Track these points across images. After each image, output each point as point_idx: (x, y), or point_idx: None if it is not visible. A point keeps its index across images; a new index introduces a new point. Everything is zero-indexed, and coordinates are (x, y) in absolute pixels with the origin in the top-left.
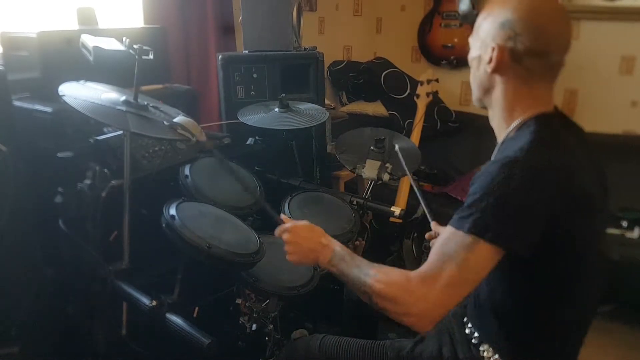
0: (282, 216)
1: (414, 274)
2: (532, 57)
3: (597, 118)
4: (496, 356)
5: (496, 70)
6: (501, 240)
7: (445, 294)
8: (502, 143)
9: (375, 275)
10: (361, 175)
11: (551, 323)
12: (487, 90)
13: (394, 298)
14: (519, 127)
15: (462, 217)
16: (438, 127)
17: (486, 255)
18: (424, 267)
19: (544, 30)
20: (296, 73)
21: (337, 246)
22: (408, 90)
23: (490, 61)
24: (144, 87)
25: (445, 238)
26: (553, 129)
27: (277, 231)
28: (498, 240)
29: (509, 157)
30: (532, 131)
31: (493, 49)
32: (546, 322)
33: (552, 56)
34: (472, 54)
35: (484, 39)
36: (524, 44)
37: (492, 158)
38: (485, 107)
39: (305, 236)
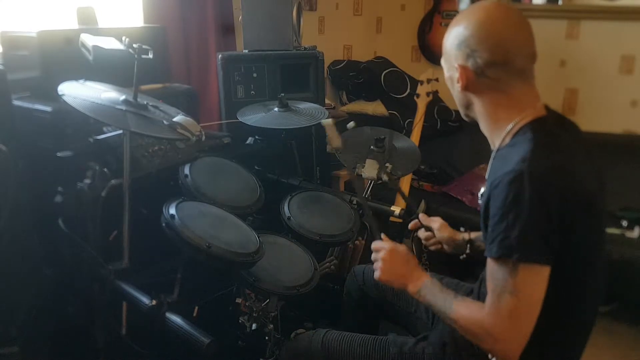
0: (383, 236)
1: (485, 311)
2: (495, 68)
3: (597, 118)
4: None
5: (466, 88)
6: (532, 257)
7: (514, 325)
8: (498, 150)
9: (457, 311)
10: (361, 175)
11: (556, 323)
12: (467, 106)
13: (476, 335)
14: (514, 135)
15: (489, 242)
16: (438, 126)
17: (530, 274)
18: (487, 304)
19: (498, 39)
20: (296, 72)
21: (429, 279)
22: (408, 90)
23: (458, 81)
24: (144, 87)
25: (491, 270)
26: (550, 133)
27: (374, 244)
28: (529, 258)
29: (513, 172)
30: (530, 139)
31: (457, 70)
32: (551, 322)
33: (515, 62)
34: (445, 74)
35: (448, 60)
36: (483, 58)
37: (489, 166)
38: (474, 121)
39: (401, 260)
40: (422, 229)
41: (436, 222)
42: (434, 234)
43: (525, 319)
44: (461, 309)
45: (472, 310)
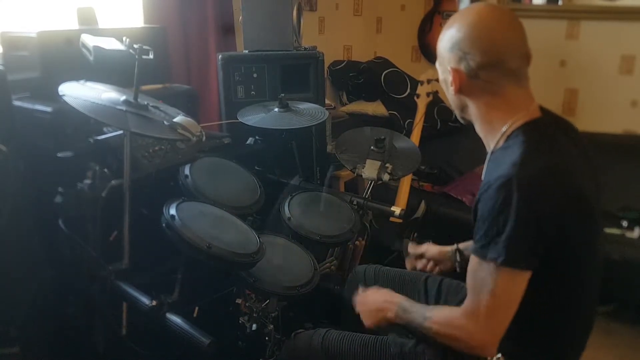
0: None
1: (461, 310)
2: (488, 70)
3: (598, 118)
4: (499, 355)
5: (459, 91)
6: (515, 262)
7: (491, 322)
8: (492, 153)
9: (430, 318)
10: (361, 175)
11: (555, 324)
12: (462, 108)
13: (451, 336)
14: (507, 137)
15: (478, 245)
16: (438, 126)
17: (510, 278)
18: (466, 302)
19: (490, 41)
20: (296, 73)
21: (400, 299)
22: (408, 90)
23: (452, 84)
24: (144, 87)
25: (473, 269)
26: (543, 135)
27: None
28: (512, 264)
29: (503, 177)
30: (522, 142)
31: (450, 72)
32: (550, 322)
33: (507, 63)
34: (440, 77)
35: (442, 63)
36: (475, 60)
37: (484, 168)
38: (470, 123)
39: (371, 299)
40: (419, 262)
41: (423, 247)
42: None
43: (500, 318)
44: (435, 315)
45: (443, 313)
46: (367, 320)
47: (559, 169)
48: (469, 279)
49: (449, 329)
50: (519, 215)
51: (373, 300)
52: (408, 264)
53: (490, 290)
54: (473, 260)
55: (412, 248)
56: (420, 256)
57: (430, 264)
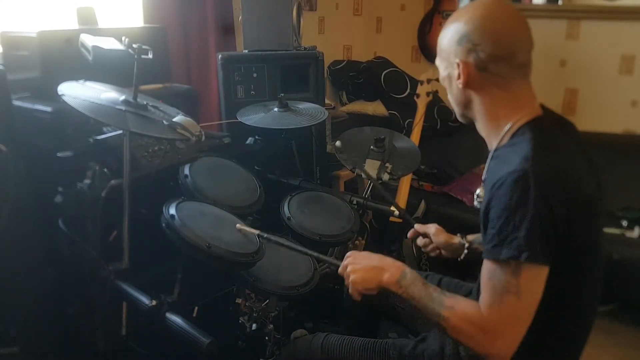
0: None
1: (484, 310)
2: (498, 62)
3: (598, 118)
4: None
5: (467, 84)
6: (537, 257)
7: (516, 325)
8: (496, 150)
9: (451, 308)
10: (361, 175)
11: (556, 323)
12: (466, 105)
13: (470, 336)
14: (512, 135)
15: (495, 245)
16: (438, 126)
17: (534, 275)
18: (487, 303)
19: (501, 34)
20: (296, 73)
21: (407, 268)
22: (408, 90)
23: (459, 77)
24: (144, 87)
25: (489, 270)
26: (548, 133)
27: (340, 270)
28: (535, 259)
29: (517, 171)
30: (530, 139)
31: (458, 65)
32: (551, 322)
33: (517, 56)
34: (442, 73)
35: (446, 58)
36: (485, 52)
37: (486, 166)
38: (471, 122)
39: (365, 256)
40: (420, 237)
41: (432, 228)
42: (431, 240)
43: (524, 319)
44: (454, 306)
45: (466, 308)
46: (357, 275)
47: (566, 169)
48: (485, 280)
49: (469, 326)
50: (537, 208)
51: (368, 257)
52: (410, 233)
53: (515, 291)
54: (489, 263)
55: (420, 226)
56: (424, 234)
57: (432, 245)
